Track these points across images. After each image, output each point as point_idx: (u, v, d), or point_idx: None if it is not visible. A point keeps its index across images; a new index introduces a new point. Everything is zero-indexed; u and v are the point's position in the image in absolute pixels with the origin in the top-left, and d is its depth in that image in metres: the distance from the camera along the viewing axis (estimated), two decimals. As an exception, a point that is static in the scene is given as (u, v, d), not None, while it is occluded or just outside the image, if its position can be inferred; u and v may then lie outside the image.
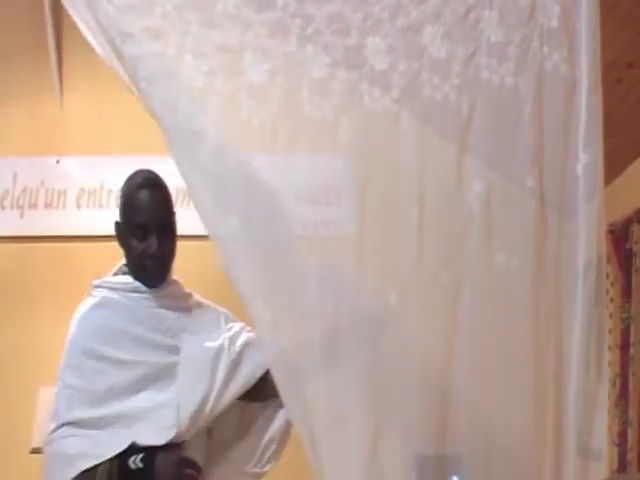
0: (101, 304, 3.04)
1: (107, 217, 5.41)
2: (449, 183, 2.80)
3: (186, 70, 2.88)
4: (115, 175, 5.21)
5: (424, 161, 2.77)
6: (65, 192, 5.65)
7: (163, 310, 3.04)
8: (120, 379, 2.91)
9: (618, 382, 5.15)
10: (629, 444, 4.97)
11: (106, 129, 5.55)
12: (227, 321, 3.13)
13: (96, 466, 2.82)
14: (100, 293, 3.05)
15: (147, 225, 2.99)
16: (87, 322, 3.02)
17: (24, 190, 5.68)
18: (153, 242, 2.98)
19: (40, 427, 4.91)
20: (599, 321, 2.80)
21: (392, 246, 2.83)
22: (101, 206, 5.53)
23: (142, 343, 2.97)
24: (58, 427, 2.91)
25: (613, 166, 5.13)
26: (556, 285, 2.81)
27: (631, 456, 4.95)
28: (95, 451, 2.85)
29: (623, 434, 5.03)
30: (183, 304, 3.11)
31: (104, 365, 2.93)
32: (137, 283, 3.04)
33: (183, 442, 2.91)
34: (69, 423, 2.90)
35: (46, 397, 4.92)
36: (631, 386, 5.02)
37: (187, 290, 3.16)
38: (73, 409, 2.91)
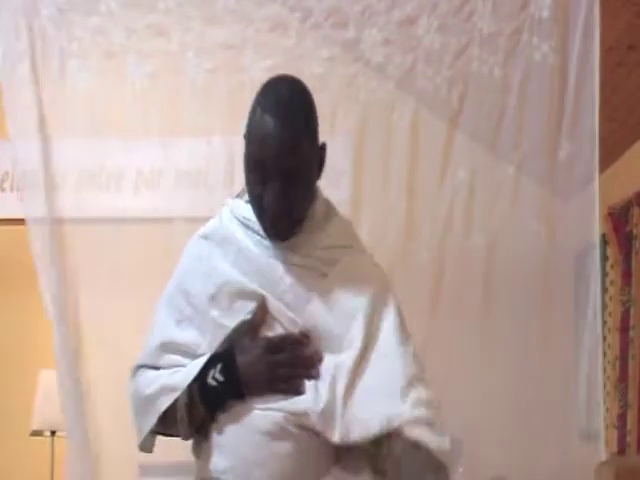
0: (215, 234, 2.31)
1: (108, 200, 5.45)
2: (438, 168, 2.84)
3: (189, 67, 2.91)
4: (116, 158, 5.22)
5: (416, 148, 2.82)
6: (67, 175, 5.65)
7: (287, 267, 2.22)
8: (198, 339, 2.20)
9: (618, 365, 5.16)
10: (628, 426, 4.98)
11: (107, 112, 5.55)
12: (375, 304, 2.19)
13: (176, 401, 2.17)
14: (225, 216, 2.31)
15: (265, 166, 2.15)
16: (192, 252, 2.32)
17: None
18: (269, 192, 2.16)
19: (40, 409, 4.92)
20: (594, 308, 2.82)
21: (384, 227, 2.88)
22: (100, 189, 5.52)
23: (248, 299, 2.18)
24: (136, 369, 2.29)
25: (613, 149, 5.12)
26: (542, 269, 2.84)
27: (630, 438, 4.96)
28: (171, 385, 2.19)
29: (623, 417, 5.04)
30: (322, 264, 2.24)
31: (195, 314, 2.23)
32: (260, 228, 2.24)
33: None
34: (145, 365, 2.27)
35: (46, 379, 4.94)
36: (631, 369, 5.03)
37: (342, 239, 2.29)
38: (147, 351, 2.28)
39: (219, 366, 2.15)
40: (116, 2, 2.98)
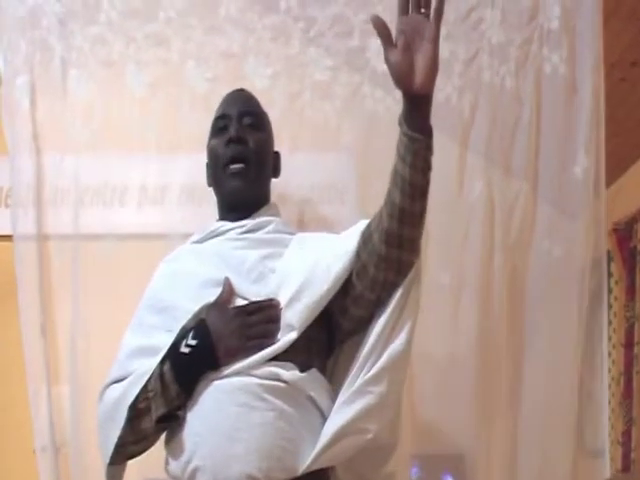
0: (173, 257, 2.47)
1: (110, 216, 5.43)
2: (450, 182, 2.83)
3: (189, 76, 2.91)
4: (119, 173, 5.21)
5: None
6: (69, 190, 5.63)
7: (248, 248, 2.35)
8: (169, 341, 2.20)
9: (622, 381, 5.14)
10: (633, 443, 4.96)
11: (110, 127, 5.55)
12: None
13: (147, 391, 2.16)
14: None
15: (226, 115, 2.47)
16: (155, 276, 2.44)
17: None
18: (232, 128, 2.42)
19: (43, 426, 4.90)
20: (600, 322, 2.81)
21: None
22: (105, 205, 5.50)
23: (215, 286, 2.25)
24: (104, 389, 2.29)
25: (617, 165, 5.12)
26: (555, 285, 2.83)
27: (635, 455, 4.94)
28: (140, 373, 2.19)
29: (627, 433, 5.02)
30: (278, 242, 2.38)
31: (165, 318, 2.25)
32: (217, 224, 2.44)
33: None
34: (113, 382, 2.27)
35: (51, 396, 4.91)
36: (635, 385, 5.01)
37: (287, 227, 2.52)
38: (115, 367, 2.29)
39: (191, 333, 2.15)
40: (116, 11, 2.98)
